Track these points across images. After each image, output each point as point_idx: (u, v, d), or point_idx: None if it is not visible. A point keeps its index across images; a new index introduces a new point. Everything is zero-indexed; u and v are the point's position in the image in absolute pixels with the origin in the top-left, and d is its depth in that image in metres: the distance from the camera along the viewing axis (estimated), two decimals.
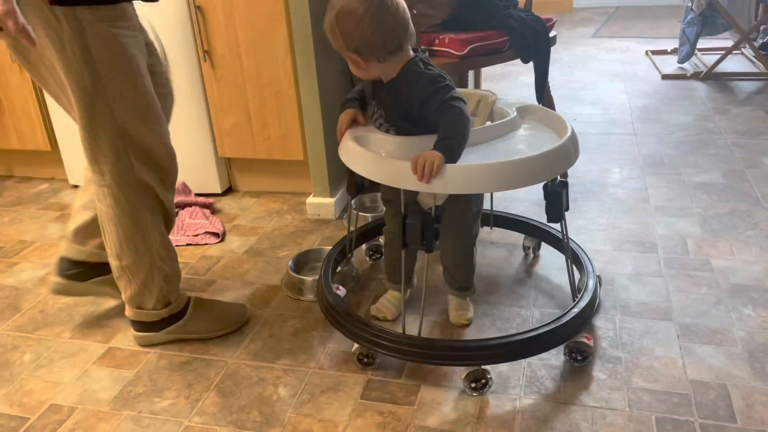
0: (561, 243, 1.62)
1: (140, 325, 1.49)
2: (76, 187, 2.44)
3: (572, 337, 1.33)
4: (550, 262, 1.74)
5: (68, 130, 2.31)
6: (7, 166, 2.60)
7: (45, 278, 1.82)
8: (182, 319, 1.49)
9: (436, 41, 1.87)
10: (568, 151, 1.27)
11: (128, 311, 1.47)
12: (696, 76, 3.37)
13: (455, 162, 1.18)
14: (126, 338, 1.53)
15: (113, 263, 1.41)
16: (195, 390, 1.35)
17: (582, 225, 1.92)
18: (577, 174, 2.27)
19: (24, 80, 2.29)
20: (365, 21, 1.20)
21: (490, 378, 1.28)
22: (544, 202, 1.37)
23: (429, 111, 1.24)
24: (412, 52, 1.28)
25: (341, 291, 1.52)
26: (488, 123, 1.45)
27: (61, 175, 2.51)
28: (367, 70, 1.28)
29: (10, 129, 2.41)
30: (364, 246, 1.80)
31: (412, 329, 1.35)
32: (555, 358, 1.37)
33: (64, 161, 2.40)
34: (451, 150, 1.18)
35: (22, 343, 1.54)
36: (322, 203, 2.07)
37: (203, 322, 1.50)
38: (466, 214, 1.44)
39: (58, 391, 1.38)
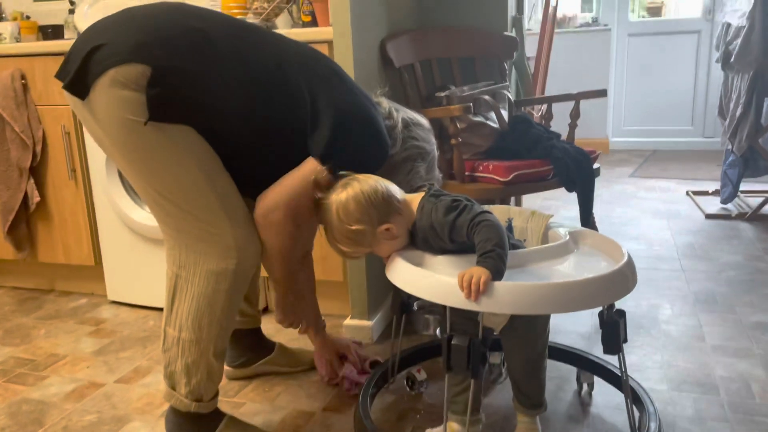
0: (617, 378, 1.52)
1: (171, 421, 1.41)
2: (114, 303, 2.44)
3: None
4: (605, 399, 1.62)
5: (113, 246, 2.35)
6: (49, 280, 2.63)
7: (72, 393, 1.76)
8: None
9: (480, 168, 1.89)
10: (626, 277, 1.21)
11: (164, 387, 1.40)
12: (741, 216, 3.32)
13: (502, 276, 1.13)
14: None
15: (169, 331, 1.36)
16: None
17: (635, 361, 1.81)
18: (625, 307, 2.16)
19: (77, 196, 2.37)
20: (364, 194, 1.27)
21: None
22: (600, 331, 1.30)
23: (460, 235, 1.22)
24: (419, 192, 1.34)
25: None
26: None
27: (101, 291, 2.51)
28: (399, 235, 1.31)
29: (57, 243, 2.46)
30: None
31: None
32: None
33: (105, 277, 2.42)
34: (495, 263, 1.13)
35: None
36: (359, 326, 2.01)
37: None
38: (534, 327, 1.37)
39: None
